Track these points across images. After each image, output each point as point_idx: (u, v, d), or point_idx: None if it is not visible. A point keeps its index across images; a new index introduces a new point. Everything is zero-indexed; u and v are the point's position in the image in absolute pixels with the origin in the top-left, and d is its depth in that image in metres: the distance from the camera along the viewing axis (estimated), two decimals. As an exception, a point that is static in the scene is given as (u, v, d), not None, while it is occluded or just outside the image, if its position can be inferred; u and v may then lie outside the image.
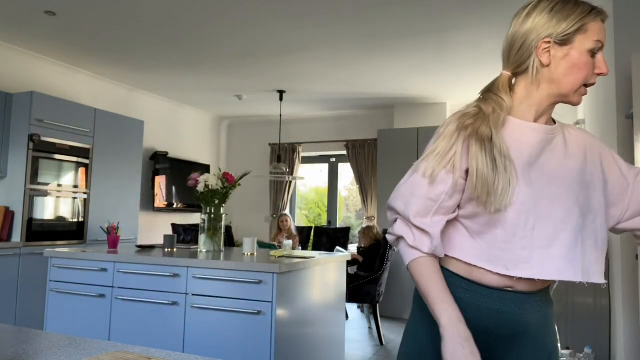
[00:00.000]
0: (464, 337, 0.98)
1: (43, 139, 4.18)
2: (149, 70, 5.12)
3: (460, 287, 1.07)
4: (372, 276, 4.47)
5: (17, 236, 4.04)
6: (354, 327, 5.02)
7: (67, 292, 2.83)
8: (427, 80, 5.21)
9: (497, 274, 1.04)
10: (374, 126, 6.53)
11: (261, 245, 4.56)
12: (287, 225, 5.94)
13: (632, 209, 1.11)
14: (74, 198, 4.49)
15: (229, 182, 3.15)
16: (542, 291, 1.09)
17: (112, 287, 2.72)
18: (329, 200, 7.10)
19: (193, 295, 2.52)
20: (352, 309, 5.92)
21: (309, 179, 7.48)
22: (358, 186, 6.56)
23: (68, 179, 4.43)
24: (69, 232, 4.44)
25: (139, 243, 5.29)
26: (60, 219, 4.37)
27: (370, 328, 5.01)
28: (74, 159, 4.48)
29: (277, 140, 6.85)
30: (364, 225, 5.75)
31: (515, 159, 1.03)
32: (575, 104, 1.09)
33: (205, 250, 3.06)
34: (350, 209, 7.62)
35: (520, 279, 1.03)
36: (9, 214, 4.06)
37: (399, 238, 1.10)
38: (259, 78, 5.27)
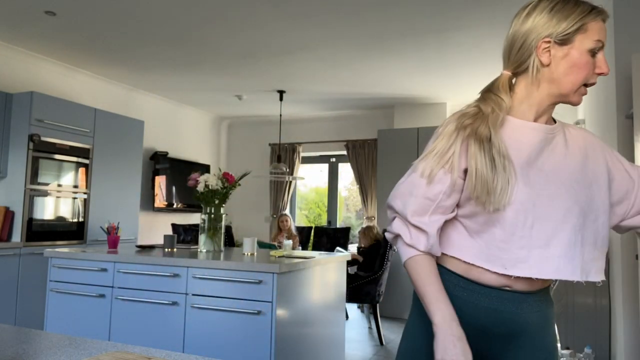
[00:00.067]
0: (456, 336, 0.99)
1: (43, 139, 4.18)
2: (149, 70, 5.12)
3: (458, 285, 1.08)
4: (372, 276, 4.47)
5: (17, 236, 4.04)
6: (354, 327, 5.02)
7: (67, 292, 2.83)
8: (427, 80, 5.21)
9: (495, 273, 1.04)
10: (374, 126, 6.53)
11: (261, 245, 4.56)
12: (287, 225, 5.94)
13: (637, 207, 1.11)
14: (74, 198, 4.49)
15: (229, 182, 3.15)
16: (541, 291, 1.09)
17: (112, 287, 2.72)
18: (329, 200, 7.10)
19: (193, 295, 2.52)
20: (352, 309, 5.92)
21: (309, 179, 7.48)
22: (358, 186, 6.56)
23: (68, 179, 4.43)
24: (69, 232, 4.44)
25: (139, 243, 5.29)
26: (60, 219, 4.37)
27: (370, 328, 5.01)
28: (74, 159, 4.48)
29: (277, 140, 6.85)
30: (364, 225, 5.75)
31: (515, 158, 1.03)
32: (575, 104, 1.09)
33: (205, 250, 3.06)
34: (350, 209, 7.62)
35: (518, 278, 1.04)
36: (9, 214, 4.06)
37: (397, 236, 1.11)
38: (259, 78, 5.27)
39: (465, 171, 1.04)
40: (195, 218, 6.72)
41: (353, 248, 5.85)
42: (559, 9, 1.03)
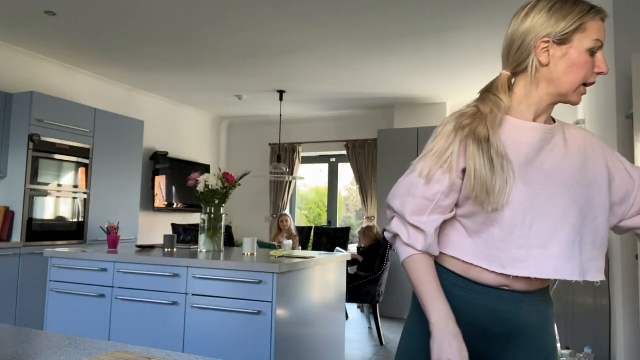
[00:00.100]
0: (452, 335, 0.99)
1: (43, 139, 4.18)
2: (149, 70, 5.12)
3: (457, 285, 1.08)
4: (372, 276, 4.47)
5: (17, 236, 4.04)
6: (354, 327, 5.02)
7: (67, 292, 2.83)
8: (427, 80, 5.21)
9: (493, 272, 1.04)
10: (374, 126, 6.53)
11: (261, 245, 4.56)
12: (287, 225, 5.95)
13: (636, 207, 1.11)
14: (74, 198, 4.49)
15: (229, 182, 3.15)
16: (540, 291, 1.09)
17: (112, 287, 2.72)
18: (329, 200, 7.10)
19: (193, 295, 2.52)
20: (352, 309, 5.92)
21: (309, 179, 7.48)
22: (358, 186, 6.56)
23: (68, 179, 4.43)
24: (69, 232, 4.44)
25: (139, 243, 5.29)
26: (60, 219, 4.37)
27: (370, 328, 5.01)
28: (74, 159, 4.48)
29: (277, 140, 6.85)
30: (364, 225, 5.75)
31: (513, 158, 1.03)
32: (575, 104, 1.09)
33: (205, 250, 3.06)
34: (350, 209, 7.62)
35: (516, 277, 1.04)
36: (9, 214, 4.06)
37: (395, 235, 1.12)
38: (259, 78, 5.27)
39: (464, 171, 1.05)
40: (195, 218, 6.72)
41: (353, 248, 5.85)
42: (557, 9, 1.03)
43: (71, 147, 4.44)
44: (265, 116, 7.16)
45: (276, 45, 4.27)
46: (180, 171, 6.22)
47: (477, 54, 4.30)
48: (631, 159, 2.54)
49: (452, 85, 5.34)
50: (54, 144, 4.28)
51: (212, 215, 3.10)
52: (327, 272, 2.97)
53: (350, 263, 4.73)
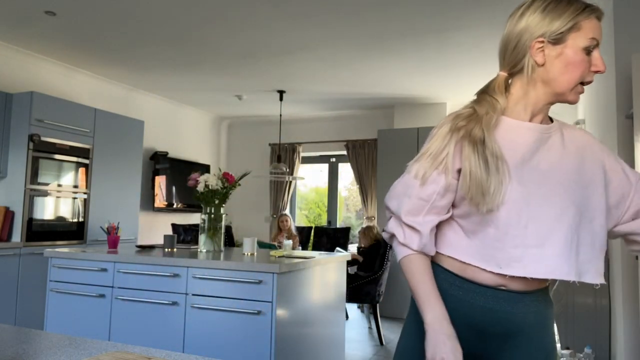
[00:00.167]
0: (446, 334, 1.00)
1: (43, 139, 4.18)
2: (149, 70, 5.12)
3: (454, 284, 1.08)
4: (372, 276, 4.47)
5: (17, 236, 4.04)
6: (354, 327, 5.02)
7: (67, 292, 2.83)
8: (427, 80, 5.21)
9: (490, 272, 1.05)
10: (374, 126, 6.53)
11: (261, 245, 4.56)
12: (287, 225, 5.95)
13: (631, 211, 1.10)
14: (74, 198, 4.49)
15: (229, 182, 3.15)
16: (538, 291, 1.09)
17: (112, 287, 2.72)
18: (329, 200, 7.10)
19: (193, 295, 2.52)
20: (352, 309, 5.92)
21: (309, 179, 7.48)
22: (358, 186, 6.56)
23: (68, 179, 4.44)
24: (69, 232, 4.44)
25: (139, 243, 5.29)
26: (60, 219, 4.37)
27: (370, 328, 5.01)
28: (74, 159, 4.48)
29: (277, 140, 6.85)
30: (364, 225, 5.75)
31: (509, 158, 1.03)
32: (572, 103, 1.09)
33: (205, 250, 3.06)
34: (350, 209, 7.62)
35: (513, 277, 1.04)
36: (9, 214, 4.06)
37: (392, 236, 1.13)
38: (259, 78, 5.27)
39: (459, 172, 1.05)
40: (195, 218, 6.72)
41: (353, 248, 5.85)
42: (551, 9, 1.03)
43: (71, 147, 4.44)
44: (265, 116, 7.16)
45: (276, 45, 4.27)
46: (180, 171, 6.22)
47: (477, 54, 4.30)
48: (631, 159, 2.54)
49: (452, 85, 5.34)
50: (54, 144, 4.28)
51: (212, 215, 3.10)
52: (327, 272, 2.97)
53: (350, 263, 4.73)
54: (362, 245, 5.06)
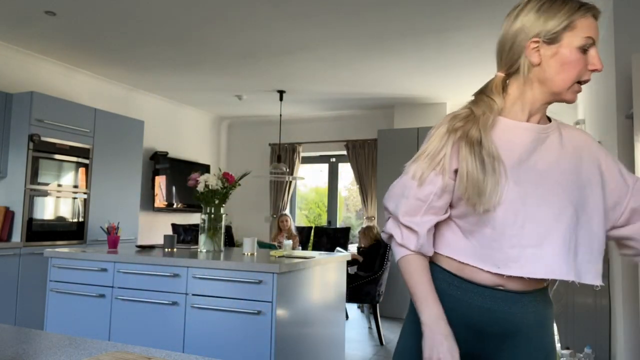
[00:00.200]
0: (443, 334, 1.00)
1: (43, 139, 4.18)
2: (149, 70, 5.12)
3: (452, 284, 1.08)
4: (372, 276, 4.48)
5: (17, 236, 4.04)
6: (354, 327, 5.02)
7: (67, 292, 2.83)
8: (427, 80, 5.21)
9: (488, 272, 1.05)
10: (374, 126, 6.53)
11: (261, 245, 4.56)
12: (287, 225, 5.95)
13: (627, 214, 1.09)
14: (74, 198, 4.49)
15: (229, 182, 3.15)
16: (537, 291, 1.09)
17: (112, 287, 2.72)
18: (329, 200, 7.10)
19: (193, 295, 2.52)
20: (352, 309, 5.92)
21: (309, 179, 7.48)
22: (358, 186, 6.56)
23: (68, 179, 4.44)
24: (69, 232, 4.44)
25: (139, 243, 5.29)
26: (60, 219, 4.37)
27: (370, 328, 5.01)
28: (74, 159, 4.48)
29: (277, 140, 6.85)
30: (364, 225, 5.75)
31: (506, 159, 1.03)
32: (570, 102, 1.09)
33: (205, 250, 3.06)
34: (350, 209, 7.62)
35: (511, 277, 1.03)
36: (9, 214, 4.06)
37: (390, 236, 1.13)
38: (259, 78, 5.27)
39: (456, 172, 1.05)
40: (195, 218, 6.72)
41: (353, 248, 5.85)
42: (546, 8, 1.03)
43: (71, 147, 4.44)
44: (265, 116, 7.16)
45: (276, 45, 4.27)
46: (180, 171, 6.22)
47: (477, 54, 4.30)
48: (631, 159, 2.54)
49: (452, 85, 5.34)
50: (54, 144, 4.28)
51: (212, 215, 3.10)
52: (327, 272, 2.97)
53: (350, 263, 4.73)
54: (362, 245, 5.06)
